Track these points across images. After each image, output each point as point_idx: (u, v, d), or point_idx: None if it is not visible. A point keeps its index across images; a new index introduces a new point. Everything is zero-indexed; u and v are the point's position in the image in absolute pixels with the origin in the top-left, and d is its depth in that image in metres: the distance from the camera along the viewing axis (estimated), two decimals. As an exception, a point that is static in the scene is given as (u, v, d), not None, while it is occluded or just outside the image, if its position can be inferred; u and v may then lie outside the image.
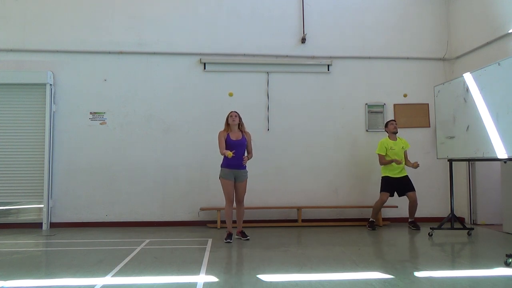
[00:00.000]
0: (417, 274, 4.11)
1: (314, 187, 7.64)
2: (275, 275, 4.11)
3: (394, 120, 7.17)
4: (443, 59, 8.04)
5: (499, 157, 5.11)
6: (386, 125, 7.12)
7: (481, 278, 4.04)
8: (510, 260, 4.41)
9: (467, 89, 5.71)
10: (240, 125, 6.01)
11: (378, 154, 6.91)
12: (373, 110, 7.79)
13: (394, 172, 6.84)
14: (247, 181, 6.03)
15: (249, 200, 6.97)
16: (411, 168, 6.93)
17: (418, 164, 6.83)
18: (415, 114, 7.89)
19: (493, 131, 5.18)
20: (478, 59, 7.00)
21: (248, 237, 6.00)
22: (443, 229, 6.24)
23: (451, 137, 6.14)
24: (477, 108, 5.51)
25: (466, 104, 5.74)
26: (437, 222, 6.61)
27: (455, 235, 6.23)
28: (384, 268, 4.36)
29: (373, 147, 7.20)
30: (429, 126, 7.84)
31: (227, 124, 5.99)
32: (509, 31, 6.40)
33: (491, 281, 3.92)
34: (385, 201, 6.84)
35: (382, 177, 6.94)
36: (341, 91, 7.83)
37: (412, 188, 6.86)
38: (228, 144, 5.88)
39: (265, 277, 4.00)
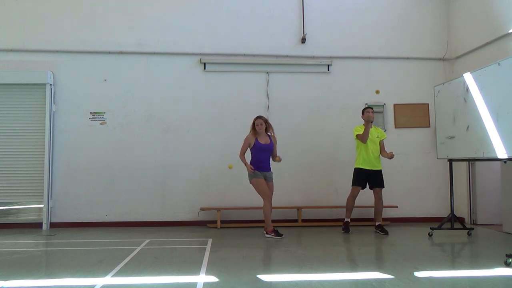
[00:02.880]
0: (417, 274, 4.11)
1: (314, 187, 7.64)
2: (275, 275, 4.12)
3: (370, 108, 6.77)
4: (443, 59, 8.04)
5: (499, 157, 5.11)
6: (363, 112, 6.75)
7: (481, 278, 4.04)
8: (510, 260, 4.40)
9: (467, 89, 5.71)
10: (268, 129, 6.22)
11: (357, 135, 6.53)
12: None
13: (368, 164, 6.56)
14: None
15: (249, 200, 7.00)
16: (410, 168, 6.89)
17: (393, 155, 6.45)
18: (415, 114, 7.88)
19: (493, 131, 5.17)
20: (478, 59, 6.99)
21: (283, 235, 6.09)
22: (443, 229, 6.23)
23: (451, 137, 6.14)
24: (477, 108, 5.50)
25: (466, 104, 5.74)
26: (437, 222, 6.60)
27: (455, 235, 6.23)
28: (384, 268, 4.36)
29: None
30: (429, 126, 7.83)
31: (254, 129, 6.14)
32: (509, 31, 6.40)
33: (491, 281, 3.92)
34: (356, 196, 6.63)
35: (355, 168, 6.67)
36: (341, 91, 7.82)
37: (381, 184, 6.61)
38: (257, 147, 6.13)
39: (265, 277, 4.00)
